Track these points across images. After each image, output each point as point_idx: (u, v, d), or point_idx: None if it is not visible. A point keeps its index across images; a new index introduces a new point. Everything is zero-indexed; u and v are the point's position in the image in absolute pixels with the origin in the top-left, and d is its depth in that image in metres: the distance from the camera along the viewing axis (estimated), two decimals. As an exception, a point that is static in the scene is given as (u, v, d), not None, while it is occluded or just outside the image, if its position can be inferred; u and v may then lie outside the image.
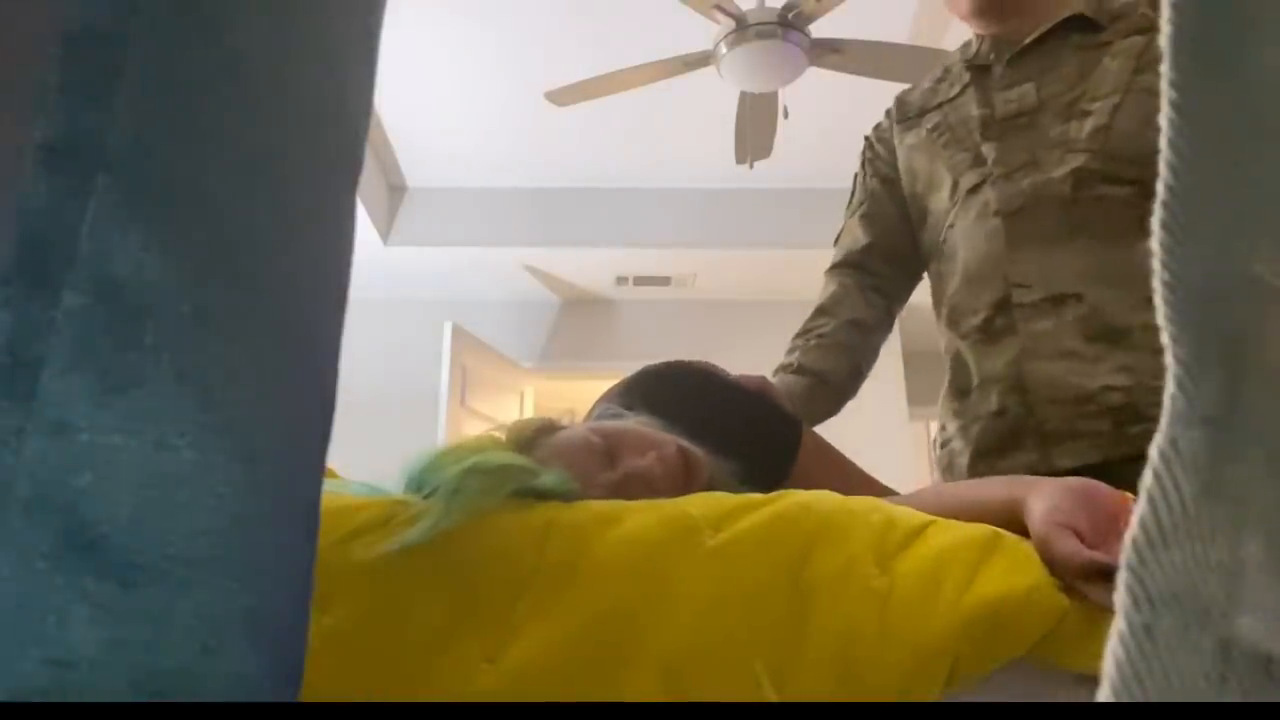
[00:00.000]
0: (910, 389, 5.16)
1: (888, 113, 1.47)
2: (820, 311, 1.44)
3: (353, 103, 0.47)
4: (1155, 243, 0.28)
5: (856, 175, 1.50)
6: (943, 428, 1.31)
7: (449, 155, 4.43)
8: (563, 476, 0.73)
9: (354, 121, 0.47)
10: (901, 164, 1.40)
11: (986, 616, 0.59)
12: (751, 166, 3.49)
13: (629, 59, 3.08)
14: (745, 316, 5.22)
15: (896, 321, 1.47)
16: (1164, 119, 0.28)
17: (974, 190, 1.26)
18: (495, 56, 3.67)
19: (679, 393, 1.04)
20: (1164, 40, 0.28)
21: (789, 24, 2.79)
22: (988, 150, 1.25)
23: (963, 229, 1.27)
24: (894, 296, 1.45)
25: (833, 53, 2.93)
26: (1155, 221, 0.28)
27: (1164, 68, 0.28)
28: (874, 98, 3.64)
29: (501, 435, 0.87)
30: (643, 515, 0.66)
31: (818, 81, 3.19)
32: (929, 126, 1.35)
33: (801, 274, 5.05)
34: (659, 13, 3.16)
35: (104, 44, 0.37)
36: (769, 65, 2.86)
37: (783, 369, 1.36)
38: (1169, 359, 0.27)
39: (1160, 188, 0.28)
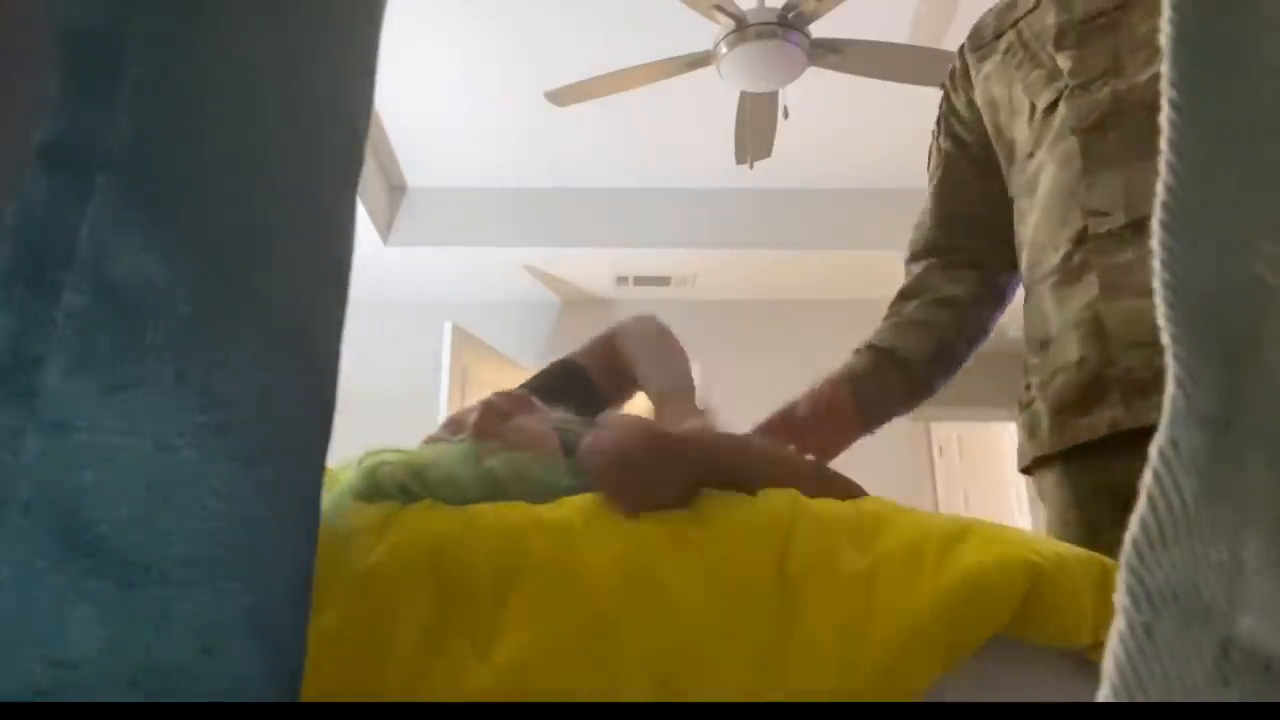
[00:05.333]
0: (910, 389, 5.15)
1: (961, 48, 1.30)
2: (900, 296, 1.30)
3: (353, 103, 0.47)
4: (1155, 243, 0.28)
5: (931, 137, 1.33)
6: (1026, 387, 1.16)
7: (449, 155, 4.42)
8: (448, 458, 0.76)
9: (354, 121, 0.47)
10: (980, 98, 1.24)
11: (965, 584, 0.60)
12: (751, 166, 3.49)
13: (629, 59, 3.08)
14: (745, 316, 5.22)
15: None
16: (1164, 119, 0.28)
17: (1050, 109, 1.09)
18: (495, 56, 3.67)
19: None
20: (1164, 40, 0.28)
21: (789, 24, 2.79)
22: (1063, 60, 1.09)
23: (1040, 157, 1.11)
24: (992, 267, 1.27)
25: (833, 53, 2.93)
26: (1155, 221, 0.28)
27: (1164, 68, 0.28)
28: (874, 98, 3.66)
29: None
30: None
31: (818, 81, 3.19)
32: (1003, 49, 1.19)
33: (801, 274, 5.06)
34: (659, 13, 3.15)
35: (104, 44, 0.37)
36: (769, 65, 2.85)
37: (853, 353, 1.25)
38: (1169, 359, 0.27)
39: (1160, 188, 0.28)
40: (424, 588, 0.62)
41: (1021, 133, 1.17)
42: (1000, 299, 1.29)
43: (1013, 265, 1.25)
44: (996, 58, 1.21)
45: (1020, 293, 1.23)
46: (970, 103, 1.27)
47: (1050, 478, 1.09)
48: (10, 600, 0.32)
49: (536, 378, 1.15)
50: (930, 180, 1.33)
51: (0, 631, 0.32)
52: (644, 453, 0.70)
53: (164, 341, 0.36)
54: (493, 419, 0.87)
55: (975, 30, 1.28)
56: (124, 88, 0.37)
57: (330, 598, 0.59)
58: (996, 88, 1.21)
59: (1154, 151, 1.06)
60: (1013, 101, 1.18)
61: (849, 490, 0.76)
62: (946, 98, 1.32)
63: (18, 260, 0.34)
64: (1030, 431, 1.13)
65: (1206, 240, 0.27)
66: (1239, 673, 0.24)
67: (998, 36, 1.22)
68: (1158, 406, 0.99)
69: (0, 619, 0.32)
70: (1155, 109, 1.09)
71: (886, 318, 1.29)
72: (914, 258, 1.32)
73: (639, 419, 0.75)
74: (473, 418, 0.88)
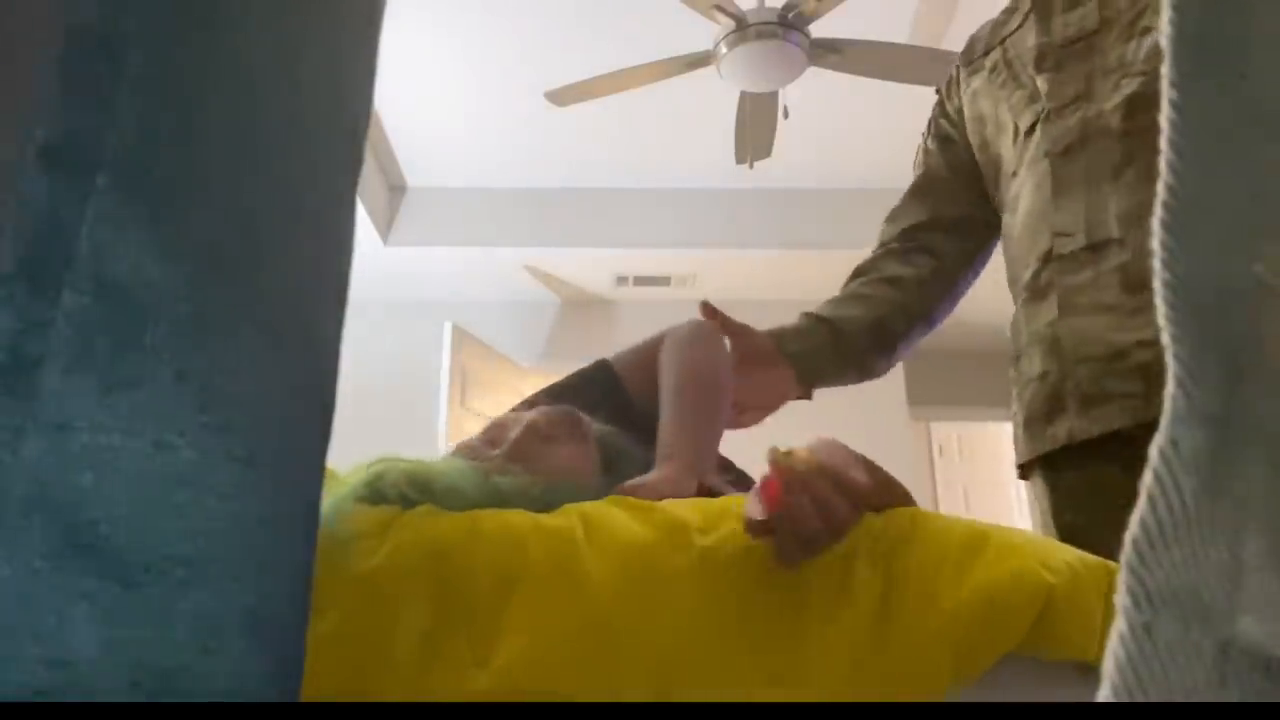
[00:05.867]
0: (910, 389, 5.16)
1: (958, 59, 1.35)
2: (851, 274, 1.35)
3: (353, 103, 0.47)
4: (1155, 243, 0.28)
5: (921, 139, 1.38)
6: (1013, 397, 1.21)
7: (449, 155, 4.42)
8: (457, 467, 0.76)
9: (354, 121, 0.47)
10: (968, 111, 1.28)
11: (981, 604, 0.59)
12: (751, 166, 3.49)
13: (629, 59, 3.08)
14: (745, 316, 5.16)
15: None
16: (1164, 119, 0.28)
17: (1030, 131, 1.13)
18: (495, 56, 3.67)
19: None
20: (1164, 40, 0.28)
21: (789, 24, 2.79)
22: (1042, 84, 1.12)
23: (1022, 177, 1.15)
24: (949, 261, 1.31)
25: (833, 53, 2.93)
26: (1155, 221, 0.28)
27: (1164, 68, 0.28)
28: (874, 98, 3.66)
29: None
30: (629, 517, 0.66)
31: (818, 81, 3.19)
32: (989, 66, 1.23)
33: (801, 274, 5.05)
34: (659, 13, 3.15)
35: (104, 44, 0.37)
36: (769, 65, 2.85)
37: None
38: (1169, 359, 0.27)
39: (1160, 188, 0.28)
40: (424, 592, 0.61)
41: (1007, 151, 1.20)
42: (951, 290, 1.33)
43: (969, 264, 1.32)
44: (983, 74, 1.25)
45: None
46: (959, 110, 1.31)
47: (1038, 481, 1.14)
48: (10, 600, 0.32)
49: (570, 377, 1.11)
50: (913, 180, 1.37)
51: (0, 631, 0.32)
52: (811, 518, 0.62)
53: (164, 341, 0.36)
54: (532, 441, 0.85)
55: (969, 43, 1.31)
56: (123, 87, 0.37)
57: (330, 600, 0.59)
58: (984, 103, 1.25)
59: (1116, 175, 1.07)
60: (999, 119, 1.22)
61: (906, 500, 0.71)
62: (940, 103, 1.36)
63: (18, 260, 0.34)
64: (1014, 439, 1.19)
65: (1206, 240, 0.27)
66: (1239, 673, 0.24)
67: (986, 53, 1.25)
68: (1106, 417, 1.00)
69: (0, 619, 0.32)
70: (1120, 135, 1.09)
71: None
72: (880, 246, 1.37)
73: (809, 460, 0.64)
74: (514, 434, 0.86)
